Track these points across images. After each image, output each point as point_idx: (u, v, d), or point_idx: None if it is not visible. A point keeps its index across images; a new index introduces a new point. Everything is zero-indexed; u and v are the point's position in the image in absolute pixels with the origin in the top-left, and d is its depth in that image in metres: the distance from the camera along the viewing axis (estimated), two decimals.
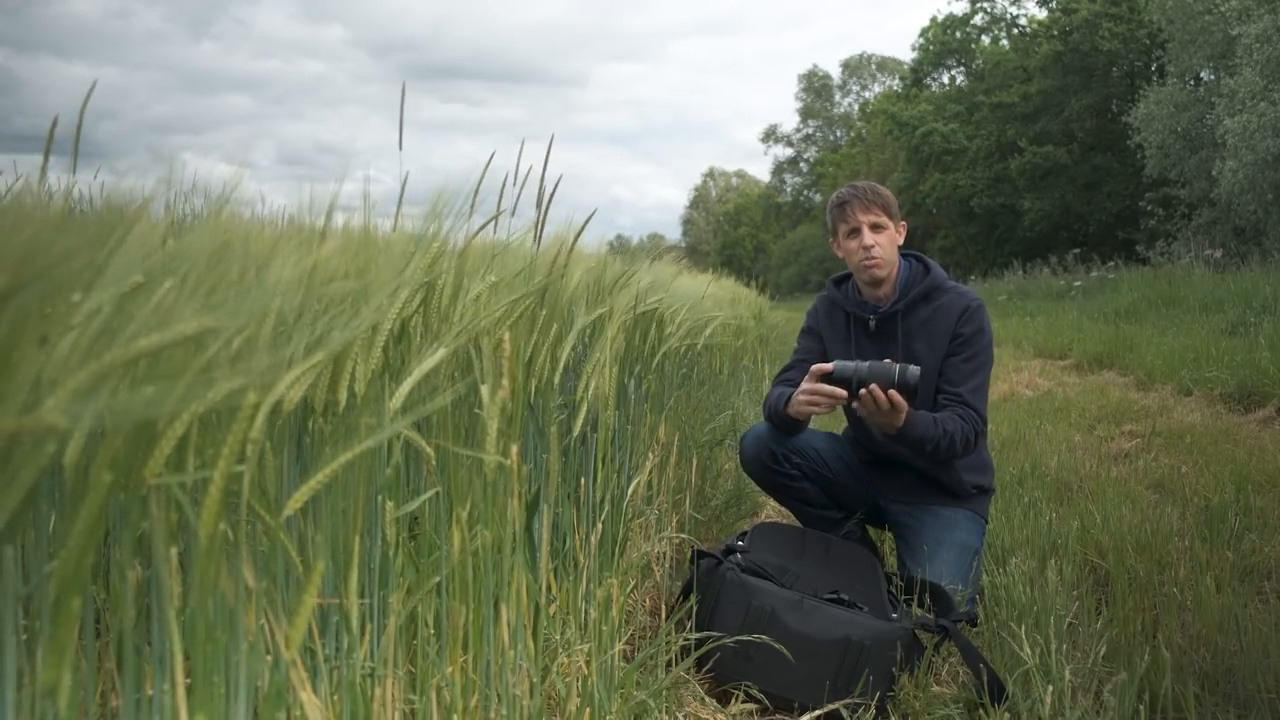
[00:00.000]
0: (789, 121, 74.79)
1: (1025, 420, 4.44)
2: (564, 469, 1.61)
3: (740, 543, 1.90)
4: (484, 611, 1.18)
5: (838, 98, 49.18)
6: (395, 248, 1.10)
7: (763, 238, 49.11)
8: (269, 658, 0.86)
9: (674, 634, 1.67)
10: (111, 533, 0.86)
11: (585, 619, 1.53)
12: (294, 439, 1.03)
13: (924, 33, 29.05)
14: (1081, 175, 21.88)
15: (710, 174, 64.40)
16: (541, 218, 1.55)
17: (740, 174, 62.46)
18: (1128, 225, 20.08)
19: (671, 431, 2.51)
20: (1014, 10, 26.28)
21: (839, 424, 2.38)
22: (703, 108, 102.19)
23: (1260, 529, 2.47)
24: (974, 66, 27.01)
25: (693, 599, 1.73)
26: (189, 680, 0.76)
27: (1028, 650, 1.61)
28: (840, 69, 49.40)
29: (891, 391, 1.88)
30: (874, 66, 47.71)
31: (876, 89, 45.81)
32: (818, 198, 43.37)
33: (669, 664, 1.62)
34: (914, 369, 1.90)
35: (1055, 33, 22.04)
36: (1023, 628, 1.70)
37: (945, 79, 29.67)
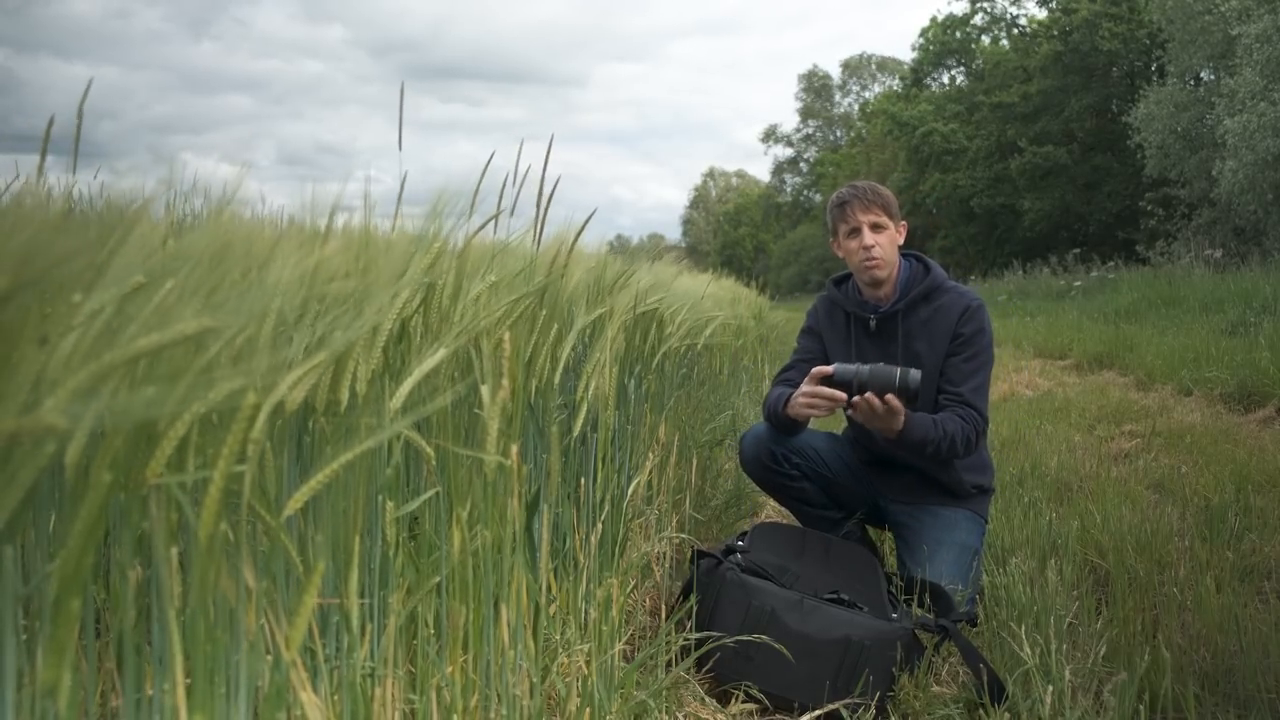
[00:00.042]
0: (789, 121, 74.83)
1: (1025, 420, 4.44)
2: (564, 469, 1.61)
3: (740, 543, 1.90)
4: (484, 611, 1.18)
5: (838, 98, 49.21)
6: (396, 248, 1.10)
7: (763, 238, 49.11)
8: (269, 658, 0.86)
9: (674, 634, 1.67)
10: (111, 533, 0.86)
11: (585, 619, 1.53)
12: (294, 439, 1.03)
13: (924, 33, 29.05)
14: (1081, 175, 21.88)
15: (710, 174, 64.43)
16: (541, 217, 1.55)
17: (740, 174, 62.49)
18: (1128, 225, 20.08)
19: (671, 431, 2.51)
20: (1014, 10, 26.30)
21: (839, 424, 2.38)
22: (703, 108, 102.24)
23: (1260, 529, 2.47)
24: (974, 66, 27.01)
25: (693, 599, 1.73)
26: (189, 680, 0.76)
27: (1028, 650, 1.61)
28: (840, 69, 49.45)
29: (889, 396, 1.87)
30: (874, 66, 47.73)
31: (876, 89, 45.82)
32: (818, 198, 43.37)
33: (669, 664, 1.62)
34: (915, 373, 1.89)
35: (1055, 33, 22.04)
36: (1023, 628, 1.70)
37: (945, 79, 29.69)
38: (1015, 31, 26.05)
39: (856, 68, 48.44)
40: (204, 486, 0.73)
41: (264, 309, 0.81)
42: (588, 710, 1.33)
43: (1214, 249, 13.00)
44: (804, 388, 1.98)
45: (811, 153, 48.43)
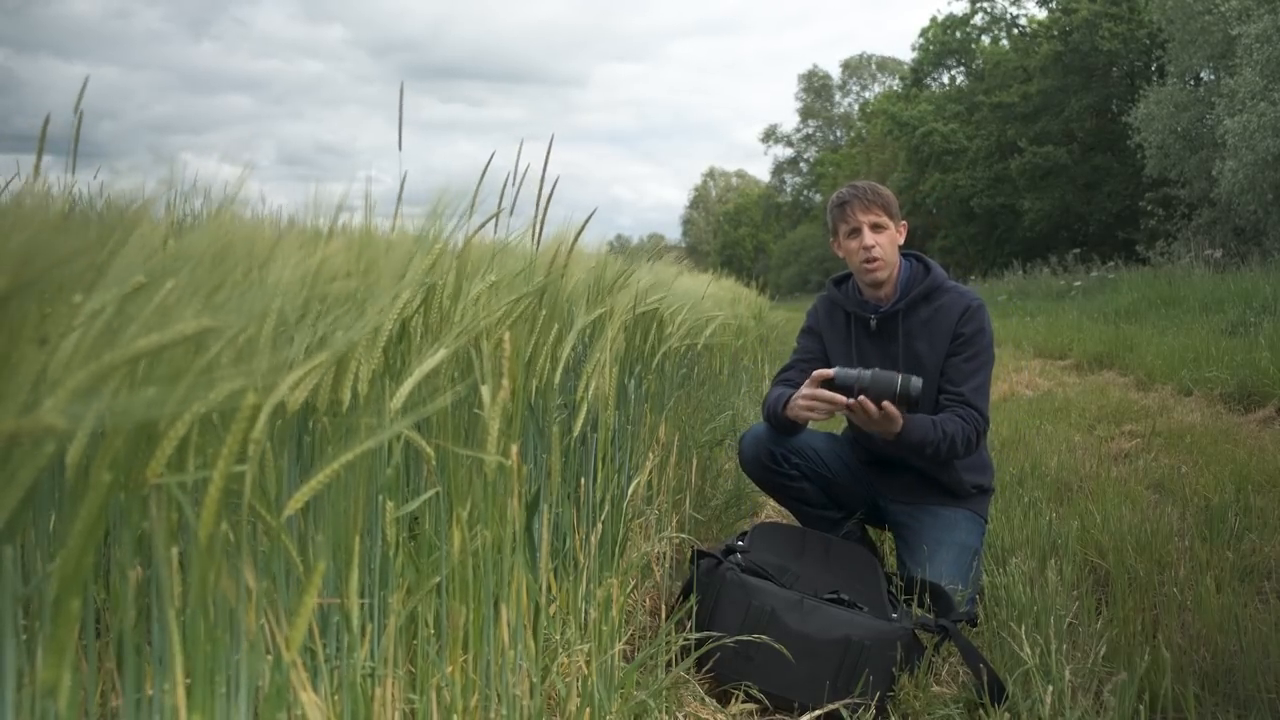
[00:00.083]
0: (789, 121, 74.83)
1: (1025, 420, 4.44)
2: (564, 469, 1.61)
3: (740, 543, 1.90)
4: (484, 611, 1.18)
5: (838, 98, 49.21)
6: (396, 248, 1.10)
7: (763, 238, 49.10)
8: (269, 658, 0.86)
9: (674, 634, 1.67)
10: (111, 533, 0.86)
11: (585, 619, 1.53)
12: (295, 439, 1.03)
13: (924, 33, 29.05)
14: (1081, 175, 21.88)
15: (710, 174, 64.42)
16: (541, 217, 1.56)
17: (740, 174, 62.48)
18: (1128, 225, 20.08)
19: (671, 431, 2.51)
20: (1014, 10, 26.30)
21: (839, 424, 2.38)
22: (703, 108, 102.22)
23: (1260, 529, 2.47)
24: (974, 66, 27.01)
25: (693, 599, 1.73)
26: (189, 680, 0.76)
27: (1028, 650, 1.61)
28: (840, 69, 49.45)
29: (885, 403, 1.88)
30: (874, 66, 47.72)
31: (876, 89, 45.82)
32: (818, 198, 43.37)
33: (669, 664, 1.62)
34: (916, 380, 1.89)
35: (1055, 33, 22.04)
36: (1023, 628, 1.70)
37: (945, 79, 29.68)
38: (1015, 31, 26.05)
39: (856, 68, 48.45)
40: (204, 486, 0.73)
41: (265, 309, 0.81)
42: (588, 710, 1.33)
43: (1214, 249, 13.00)
44: (804, 390, 1.98)
45: (811, 153, 48.43)
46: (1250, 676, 1.60)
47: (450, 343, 1.05)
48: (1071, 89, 21.83)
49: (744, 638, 1.65)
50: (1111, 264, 14.76)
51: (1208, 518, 2.56)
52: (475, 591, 1.16)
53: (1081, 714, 1.48)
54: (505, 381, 1.12)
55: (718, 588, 1.74)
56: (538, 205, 1.55)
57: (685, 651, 1.68)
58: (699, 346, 4.00)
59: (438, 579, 1.13)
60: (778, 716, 1.65)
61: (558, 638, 1.46)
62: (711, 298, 4.76)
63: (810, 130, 49.57)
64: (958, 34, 27.82)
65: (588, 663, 1.42)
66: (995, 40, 26.84)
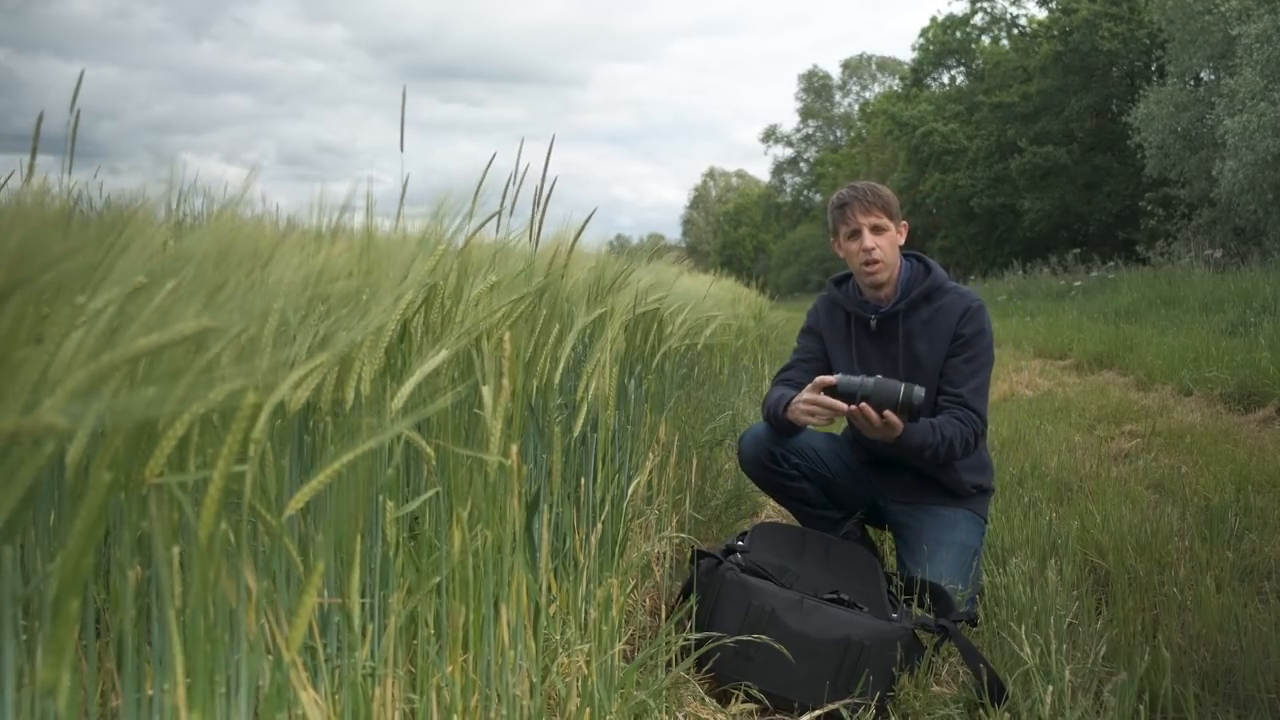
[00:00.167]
0: (789, 121, 74.83)
1: (1025, 420, 4.44)
2: (564, 469, 1.61)
3: (740, 543, 1.90)
4: (484, 611, 1.18)
5: (838, 98, 49.20)
6: (398, 249, 1.10)
7: (763, 238, 49.10)
8: (269, 657, 0.86)
9: (674, 634, 1.67)
10: (111, 533, 0.86)
11: (585, 619, 1.53)
12: (296, 439, 1.03)
13: (924, 33, 29.06)
14: (1081, 175, 21.88)
15: (710, 174, 64.41)
16: (540, 218, 1.55)
17: (740, 174, 62.47)
18: (1128, 225, 20.08)
19: (671, 431, 2.51)
20: (1014, 10, 26.30)
21: (839, 424, 2.38)
22: (703, 108, 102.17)
23: (1260, 529, 2.47)
24: (974, 66, 27.01)
25: (693, 599, 1.73)
26: (189, 680, 0.76)
27: (1028, 650, 1.61)
28: (840, 69, 49.44)
29: (887, 412, 1.88)
30: (874, 66, 47.72)
31: (876, 89, 45.82)
32: (818, 198, 43.37)
33: (669, 664, 1.62)
34: (919, 390, 1.90)
35: (1055, 33, 22.04)
36: (1023, 628, 1.70)
37: (945, 79, 29.69)
38: (1015, 31, 26.05)
39: (856, 68, 48.44)
40: (204, 486, 0.73)
41: (266, 309, 0.81)
42: (588, 710, 1.33)
43: (1214, 249, 13.00)
44: (805, 395, 1.98)
45: (811, 153, 48.43)
46: (1250, 676, 1.60)
47: (452, 344, 1.05)
48: (1071, 89, 21.83)
49: (744, 638, 1.65)
50: (1111, 264, 14.76)
51: (1208, 518, 2.56)
52: (475, 591, 1.16)
53: (1081, 714, 1.48)
54: (505, 382, 1.12)
55: (718, 588, 1.74)
56: (535, 205, 1.55)
57: (685, 651, 1.68)
58: (699, 346, 4.00)
59: (438, 579, 1.13)
60: (778, 716, 1.65)
61: (558, 638, 1.46)
62: (712, 298, 4.77)
63: (810, 130, 49.58)
64: (958, 34, 27.83)
65: (588, 663, 1.42)
66: (995, 40, 26.84)
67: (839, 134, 47.71)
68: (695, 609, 1.72)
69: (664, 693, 1.53)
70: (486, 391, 1.14)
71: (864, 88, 48.08)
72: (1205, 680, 1.62)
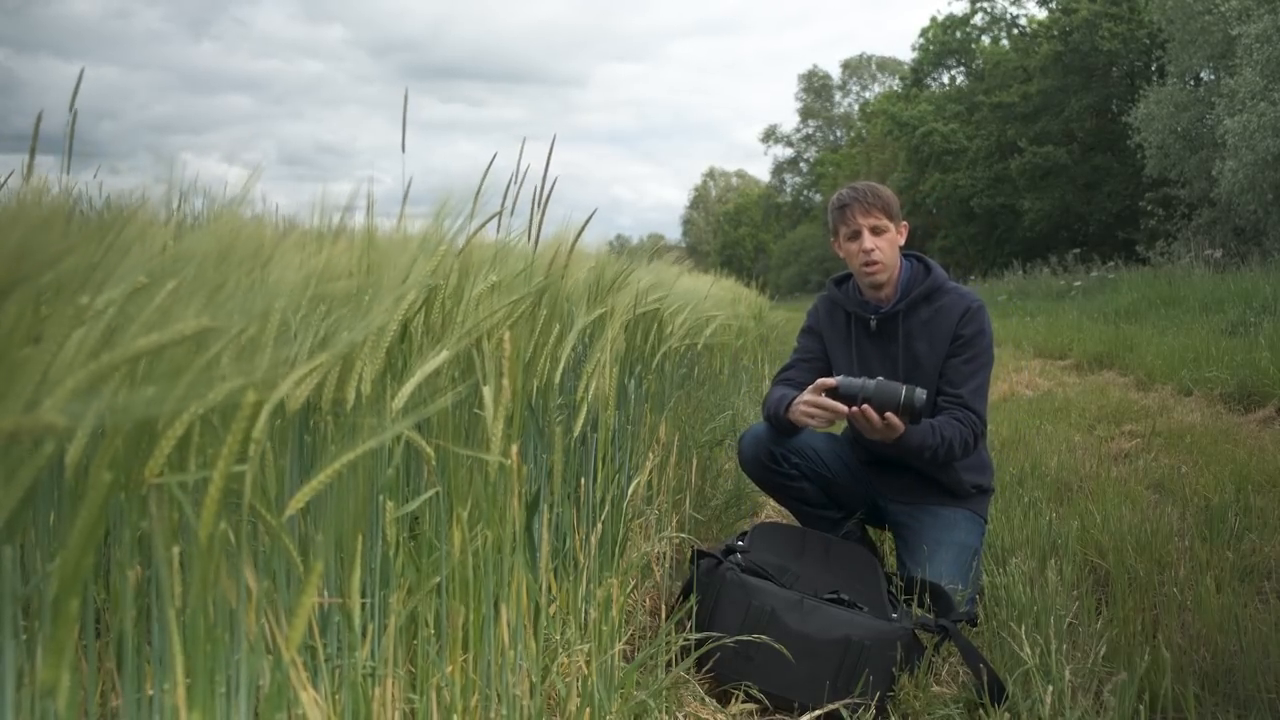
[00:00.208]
0: (789, 121, 74.82)
1: (1025, 420, 4.44)
2: (564, 469, 1.61)
3: (740, 543, 1.90)
4: (484, 611, 1.18)
5: (838, 98, 49.20)
6: (399, 249, 1.10)
7: (763, 238, 49.10)
8: (269, 657, 0.86)
9: (674, 634, 1.67)
10: (111, 533, 0.86)
11: (585, 619, 1.53)
12: (296, 439, 1.03)
13: (924, 33, 29.06)
14: (1081, 175, 21.88)
15: (710, 174, 64.40)
16: (539, 219, 1.55)
17: (740, 174, 62.46)
18: (1128, 225, 20.08)
19: (671, 431, 2.51)
20: (1014, 10, 26.30)
21: (839, 424, 2.38)
22: (703, 108, 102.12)
23: (1260, 529, 2.47)
24: (974, 66, 27.01)
25: (693, 599, 1.73)
26: (189, 680, 0.76)
27: (1028, 650, 1.61)
28: (840, 69, 49.44)
29: (889, 414, 1.88)
30: (874, 66, 47.72)
31: (876, 89, 45.82)
32: (818, 198, 43.37)
33: (669, 664, 1.62)
34: (921, 392, 1.90)
35: (1055, 33, 22.04)
36: (1023, 628, 1.70)
37: (945, 79, 29.69)
38: (1015, 31, 26.05)
39: (856, 68, 48.44)
40: (204, 486, 0.73)
41: (266, 309, 0.81)
42: (588, 710, 1.33)
43: (1214, 249, 13.00)
44: (806, 397, 1.98)
45: (811, 153, 48.42)
46: (1250, 676, 1.60)
47: (453, 344, 1.05)
48: (1071, 89, 21.83)
49: (744, 638, 1.65)
50: (1111, 264, 14.76)
51: (1208, 518, 2.56)
52: (475, 591, 1.16)
53: (1081, 714, 1.48)
54: (505, 382, 1.12)
55: (718, 588, 1.74)
56: (533, 206, 1.55)
57: (685, 651, 1.68)
58: (699, 346, 4.00)
59: (438, 579, 1.13)
60: (778, 716, 1.65)
61: (558, 638, 1.46)
62: (712, 298, 4.77)
63: (810, 130, 49.57)
64: (958, 34, 27.83)
65: (588, 663, 1.42)
66: (995, 40, 26.84)
67: (839, 134, 47.70)
68: (695, 609, 1.72)
69: (664, 693, 1.53)
70: (487, 392, 1.14)
71: (864, 88, 48.10)
72: (1205, 680, 1.62)
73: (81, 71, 1.09)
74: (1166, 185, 16.10)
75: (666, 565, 2.09)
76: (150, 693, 0.80)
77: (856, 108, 46.08)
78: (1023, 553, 2.30)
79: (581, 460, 1.72)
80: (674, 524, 2.30)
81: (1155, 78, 18.41)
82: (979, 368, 2.09)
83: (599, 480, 1.73)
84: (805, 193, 47.29)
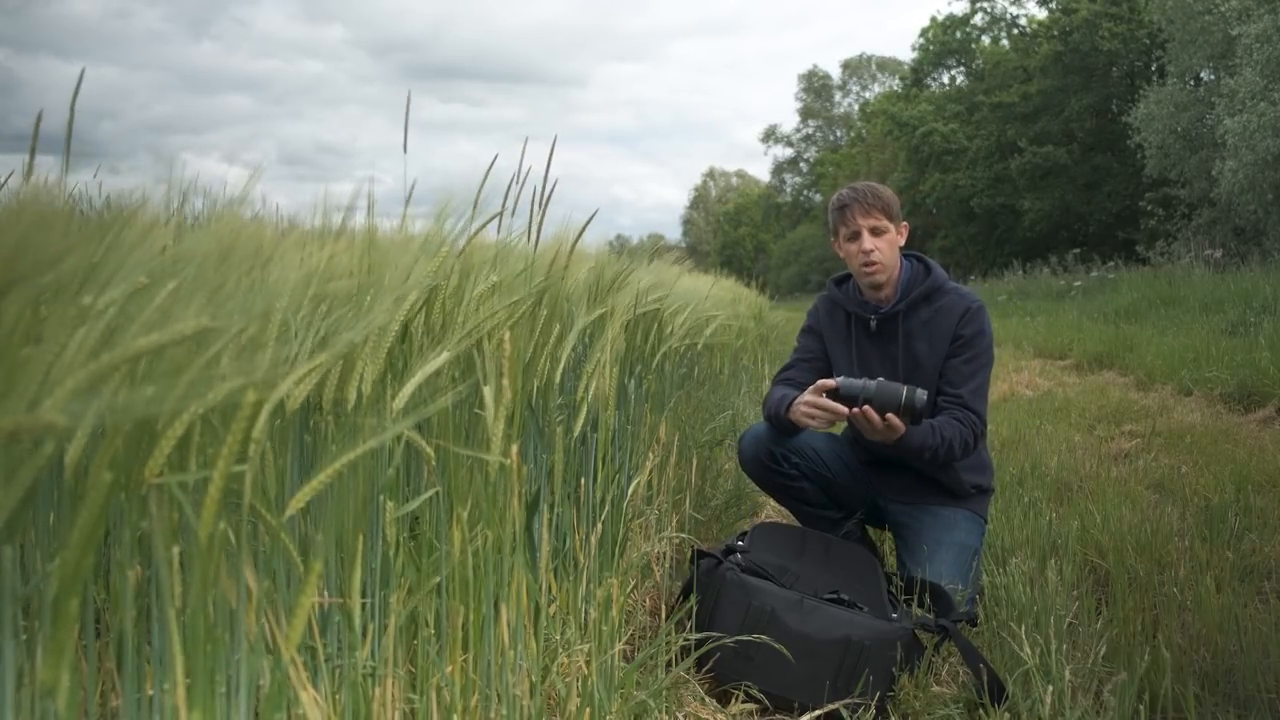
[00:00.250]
0: (789, 121, 74.83)
1: (1025, 420, 4.44)
2: (564, 469, 1.61)
3: (740, 543, 1.90)
4: (484, 611, 1.18)
5: (838, 98, 49.19)
6: (400, 249, 1.10)
7: (763, 238, 49.10)
8: (269, 657, 0.86)
9: (674, 634, 1.67)
10: (111, 533, 0.86)
11: (585, 619, 1.53)
12: (296, 439, 1.03)
13: (924, 33, 29.06)
14: (1081, 175, 21.88)
15: (710, 174, 64.39)
16: (540, 220, 1.55)
17: (740, 174, 62.47)
18: (1128, 225, 20.08)
19: (671, 431, 2.51)
20: (1014, 10, 26.30)
21: (839, 424, 2.38)
22: (703, 108, 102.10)
23: (1260, 529, 2.47)
24: (974, 66, 27.01)
25: (693, 599, 1.73)
26: (189, 680, 0.76)
27: (1028, 650, 1.61)
28: (840, 69, 49.44)
29: (889, 415, 1.88)
30: (874, 66, 47.72)
31: (876, 89, 45.82)
32: (818, 198, 43.36)
33: (669, 664, 1.62)
34: (922, 393, 1.90)
35: (1055, 33, 22.04)
36: (1023, 628, 1.70)
37: (945, 79, 29.69)
38: (1015, 31, 26.05)
39: (856, 68, 48.44)
40: (204, 486, 0.73)
41: (266, 309, 0.81)
42: (588, 710, 1.33)
43: (1214, 249, 13.00)
44: (806, 397, 1.98)
45: (811, 153, 48.42)
46: (1250, 676, 1.60)
47: (453, 346, 1.05)
48: (1071, 89, 21.83)
49: (744, 638, 1.65)
50: (1111, 264, 14.75)
51: (1208, 518, 2.56)
52: (475, 591, 1.16)
53: (1081, 714, 1.48)
54: (505, 382, 1.12)
55: (718, 588, 1.74)
56: (533, 206, 1.55)
57: (685, 651, 1.68)
58: (699, 346, 4.00)
59: (438, 579, 1.13)
60: (778, 716, 1.65)
61: (558, 638, 1.46)
62: (712, 298, 4.77)
63: (810, 130, 49.57)
64: (958, 34, 27.83)
65: (588, 663, 1.42)
66: (995, 40, 26.84)
67: (839, 134, 47.70)
68: (695, 609, 1.72)
69: (664, 693, 1.53)
70: (488, 392, 1.14)
71: (864, 88, 48.09)
72: (1205, 680, 1.62)
73: (82, 72, 1.09)
74: (1166, 185, 16.10)
75: (666, 565, 2.09)
76: (150, 693, 0.80)
77: (856, 108, 46.08)
78: (1023, 553, 2.30)
79: (581, 460, 1.72)
80: (674, 524, 2.30)
81: (1155, 78, 18.41)
82: (979, 368, 2.09)
83: (599, 480, 1.73)
84: (805, 193, 47.29)
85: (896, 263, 2.15)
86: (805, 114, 49.58)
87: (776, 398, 2.12)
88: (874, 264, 2.10)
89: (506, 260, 1.43)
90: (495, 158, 1.41)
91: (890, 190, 2.18)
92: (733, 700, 1.65)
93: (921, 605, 1.84)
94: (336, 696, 0.96)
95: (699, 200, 62.74)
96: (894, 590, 1.88)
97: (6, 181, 1.32)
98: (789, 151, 49.78)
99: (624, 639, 1.59)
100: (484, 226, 1.35)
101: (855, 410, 1.90)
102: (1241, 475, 3.03)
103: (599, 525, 1.66)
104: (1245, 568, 2.19)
